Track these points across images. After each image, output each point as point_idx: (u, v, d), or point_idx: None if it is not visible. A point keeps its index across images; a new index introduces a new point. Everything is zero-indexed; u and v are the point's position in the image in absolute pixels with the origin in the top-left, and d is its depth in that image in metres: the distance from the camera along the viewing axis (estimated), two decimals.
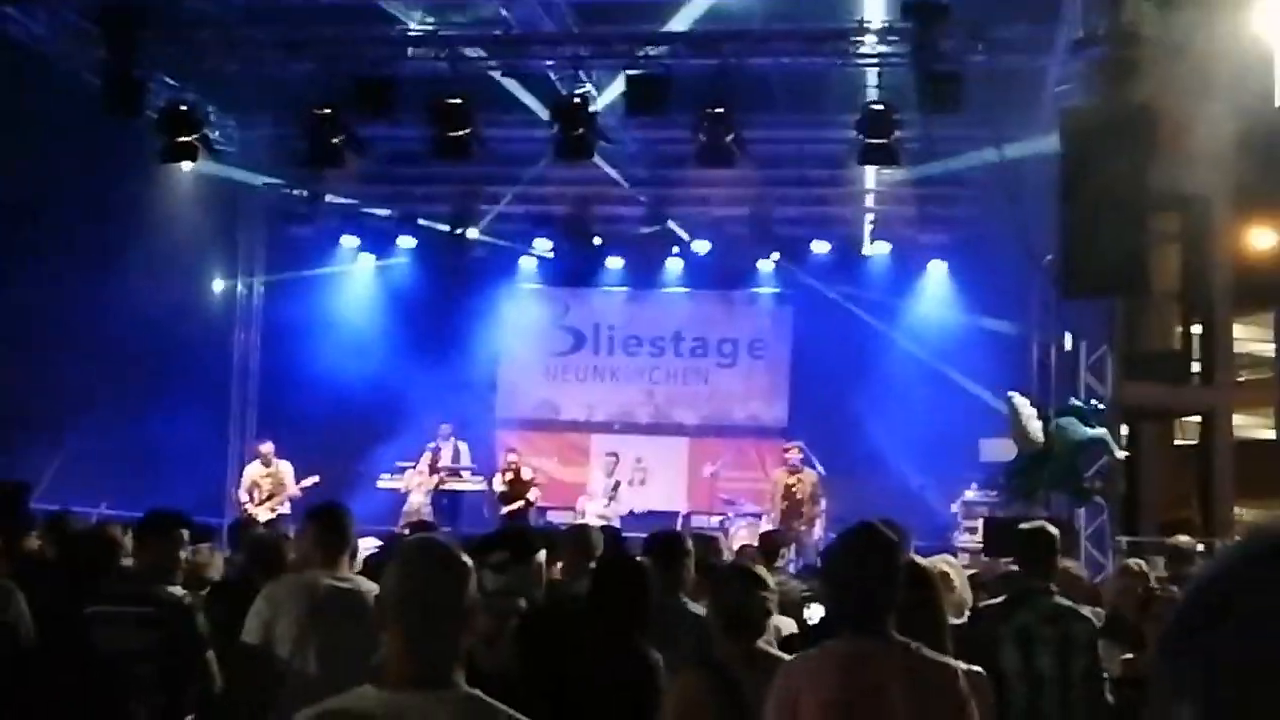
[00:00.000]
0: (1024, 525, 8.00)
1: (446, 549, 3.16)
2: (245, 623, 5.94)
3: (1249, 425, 22.74)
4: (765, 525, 17.14)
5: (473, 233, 21.31)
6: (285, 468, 18.12)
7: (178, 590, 6.45)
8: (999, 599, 7.34)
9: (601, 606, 5.54)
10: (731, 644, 4.92)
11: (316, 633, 5.79)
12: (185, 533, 6.78)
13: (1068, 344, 18.09)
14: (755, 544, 10.89)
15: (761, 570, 5.30)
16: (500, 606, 5.74)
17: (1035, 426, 15.46)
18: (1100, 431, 15.37)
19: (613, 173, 19.44)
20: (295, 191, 21.15)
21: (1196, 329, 19.72)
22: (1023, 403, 15.73)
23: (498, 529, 9.39)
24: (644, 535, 7.44)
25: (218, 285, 21.21)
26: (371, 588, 5.89)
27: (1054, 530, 7.41)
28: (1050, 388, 18.99)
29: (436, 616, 2.99)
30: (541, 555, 6.44)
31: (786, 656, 5.00)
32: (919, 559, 5.64)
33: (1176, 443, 21.18)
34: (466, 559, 3.12)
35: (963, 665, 4.91)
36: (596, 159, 17.65)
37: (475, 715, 2.95)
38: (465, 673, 3.06)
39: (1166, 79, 14.00)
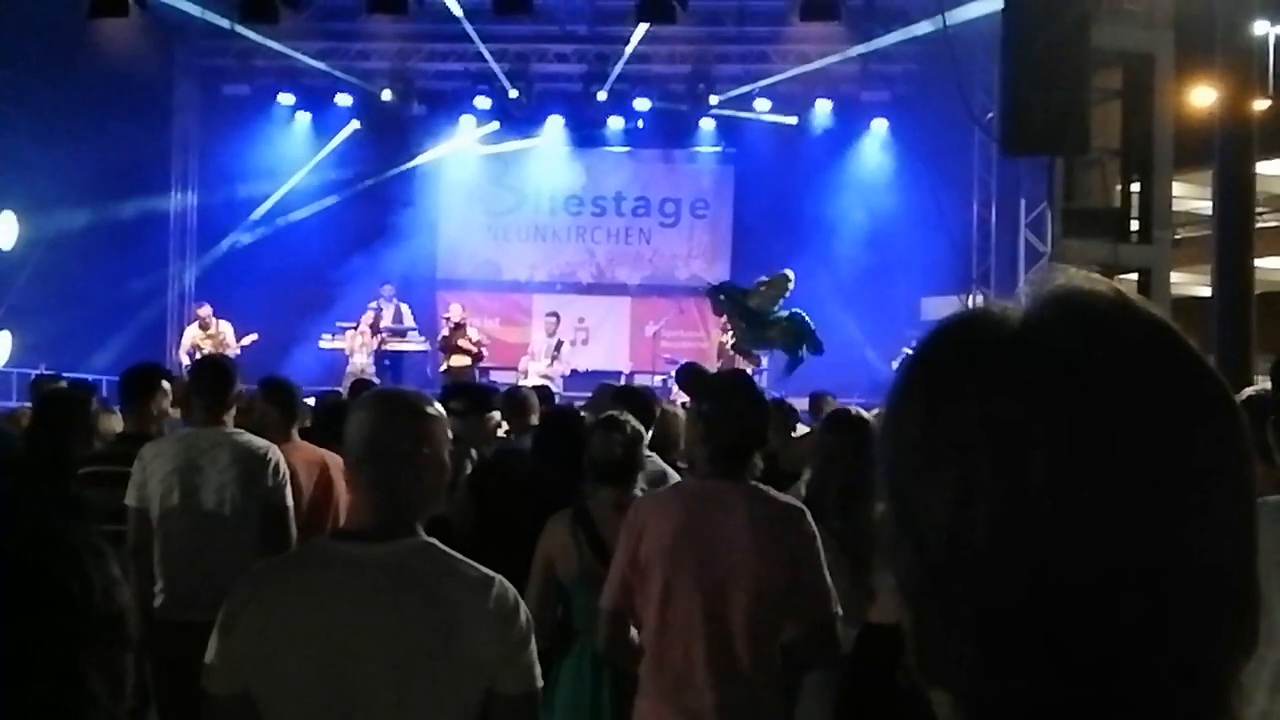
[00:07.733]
0: None
1: (414, 396, 3.10)
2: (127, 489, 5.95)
3: (1186, 283, 23.00)
4: None
5: (409, 90, 20.95)
6: (225, 327, 18.06)
7: None
8: None
9: (545, 456, 5.64)
10: (605, 492, 4.97)
11: (181, 485, 5.82)
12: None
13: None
14: None
15: (625, 416, 5.16)
16: (457, 453, 5.81)
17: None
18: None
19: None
20: (230, 45, 20.61)
21: (1136, 186, 19.82)
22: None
23: (453, 383, 9.39)
24: (588, 395, 7.47)
25: (152, 142, 20.71)
26: (249, 439, 5.93)
27: None
28: (990, 245, 19.12)
29: (398, 464, 2.91)
30: (496, 413, 6.52)
31: None
32: (857, 409, 5.72)
33: None
34: (437, 407, 3.06)
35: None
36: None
37: (432, 564, 2.90)
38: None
39: None
